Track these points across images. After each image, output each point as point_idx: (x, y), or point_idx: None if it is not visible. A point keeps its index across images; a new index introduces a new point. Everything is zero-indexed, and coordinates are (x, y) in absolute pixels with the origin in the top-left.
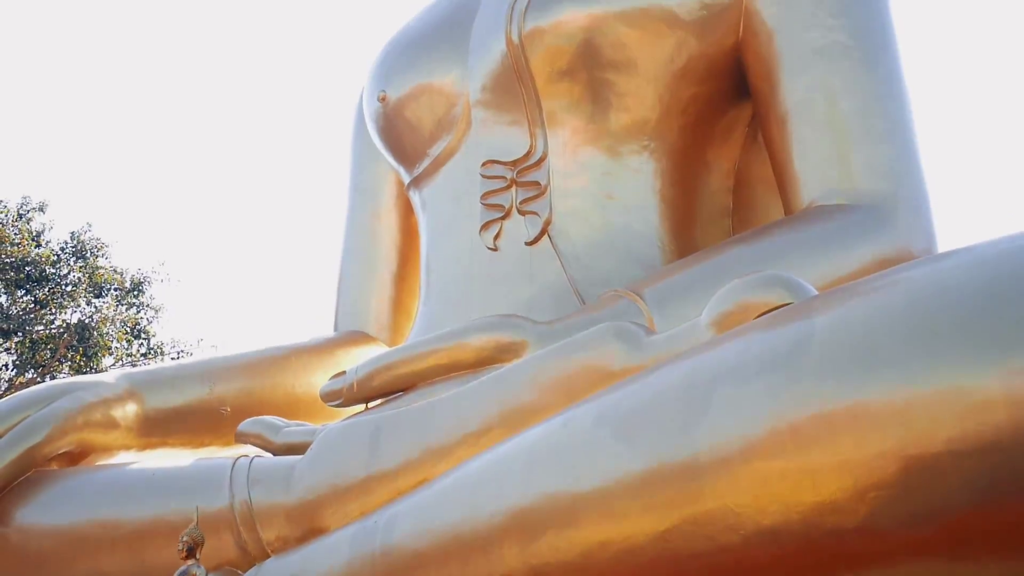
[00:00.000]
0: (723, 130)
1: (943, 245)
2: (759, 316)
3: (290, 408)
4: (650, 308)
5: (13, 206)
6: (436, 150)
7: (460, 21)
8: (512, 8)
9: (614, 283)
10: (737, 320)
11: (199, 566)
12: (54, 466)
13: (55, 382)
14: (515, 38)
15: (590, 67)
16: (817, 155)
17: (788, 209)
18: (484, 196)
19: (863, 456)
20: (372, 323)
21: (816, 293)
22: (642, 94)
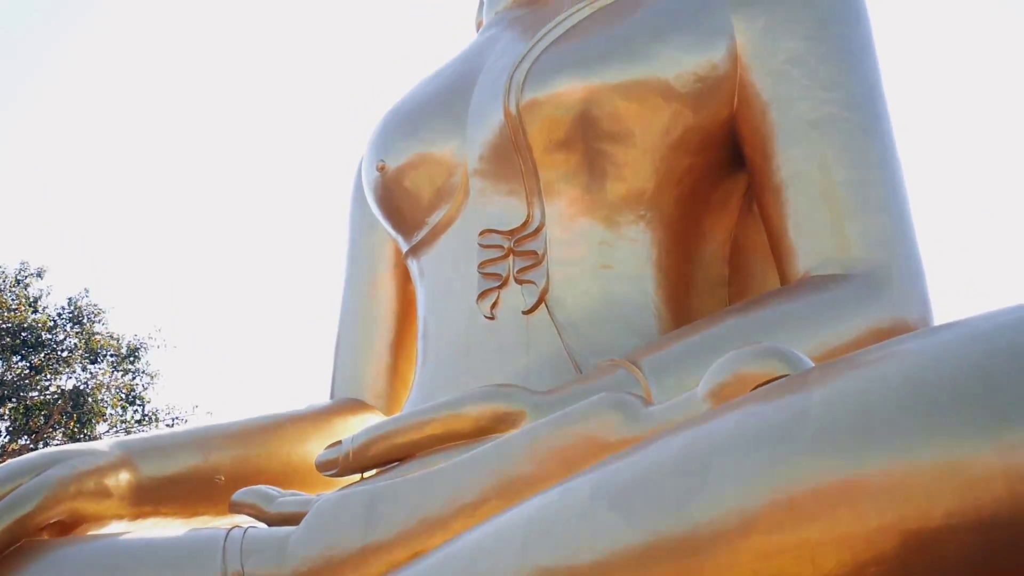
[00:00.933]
0: (719, 200)
1: (939, 314)
2: (756, 388)
3: (285, 477)
4: (647, 378)
5: (11, 272)
6: (434, 219)
7: (459, 92)
8: (510, 79)
9: (611, 352)
10: (734, 392)
11: None
12: (45, 536)
13: (48, 450)
14: (513, 109)
15: (587, 138)
16: (812, 225)
17: (784, 279)
18: (481, 265)
19: (861, 530)
20: (368, 391)
21: (812, 365)
22: (638, 165)
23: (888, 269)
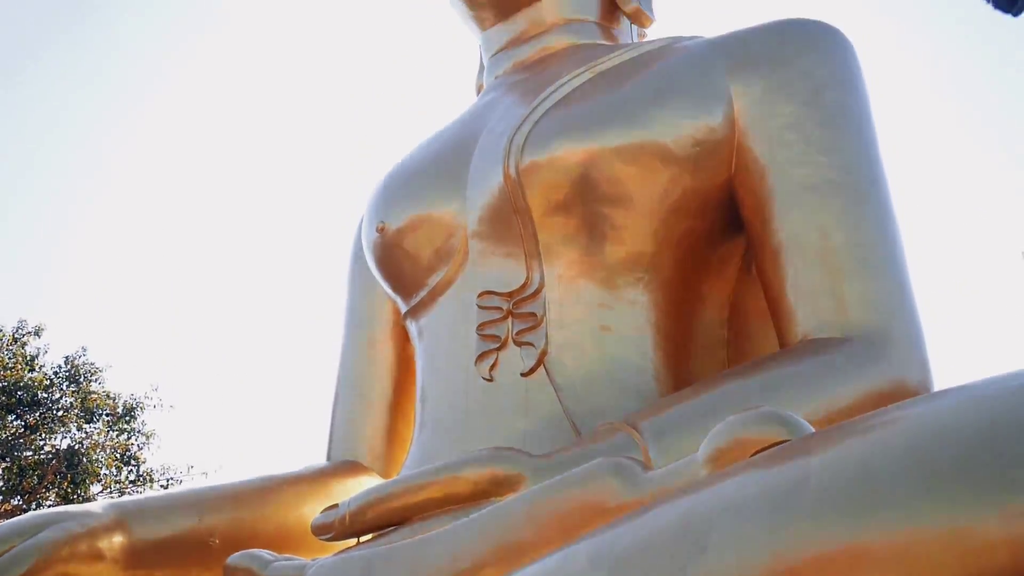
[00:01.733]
0: (717, 263)
1: (938, 378)
2: (755, 453)
3: (281, 540)
4: (647, 442)
5: (9, 330)
6: (433, 280)
7: (459, 155)
8: (510, 143)
9: (610, 415)
10: (733, 457)
11: None
12: None
13: (41, 512)
14: (512, 172)
15: (586, 201)
16: (810, 288)
17: (782, 342)
18: (480, 327)
19: None
20: (366, 453)
21: (812, 430)
22: (637, 228)
23: (887, 332)
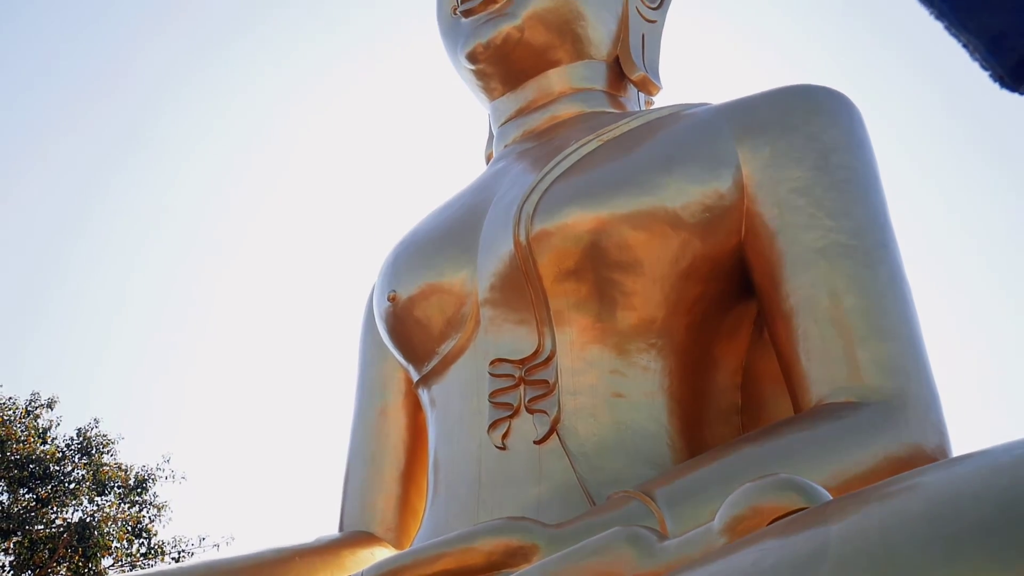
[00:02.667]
0: (729, 327)
1: (955, 442)
2: (772, 521)
3: None
4: (662, 510)
5: (22, 402)
6: (445, 348)
7: (469, 223)
8: (520, 211)
9: (624, 483)
10: (750, 526)
11: None
12: None
13: None
14: (523, 240)
15: (597, 268)
16: (823, 353)
17: (796, 407)
18: (492, 394)
19: None
20: (378, 523)
21: (829, 497)
22: (648, 294)
23: (903, 397)
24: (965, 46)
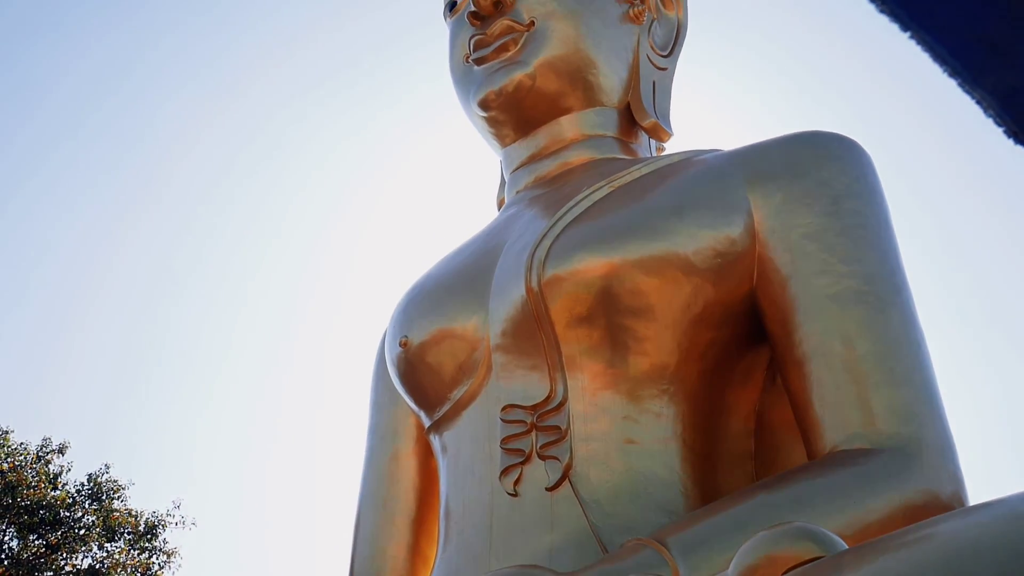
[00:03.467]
0: (742, 374)
1: (970, 489)
2: (787, 571)
3: None
4: (675, 558)
5: (33, 448)
6: (457, 394)
7: (481, 269)
8: (532, 256)
9: (637, 530)
10: (765, 575)
11: None
12: None
13: None
14: (535, 285)
15: (608, 313)
16: (837, 399)
17: (810, 453)
18: (504, 441)
19: None
20: (389, 570)
21: (845, 546)
22: (661, 339)
23: (917, 443)
24: (979, 102)
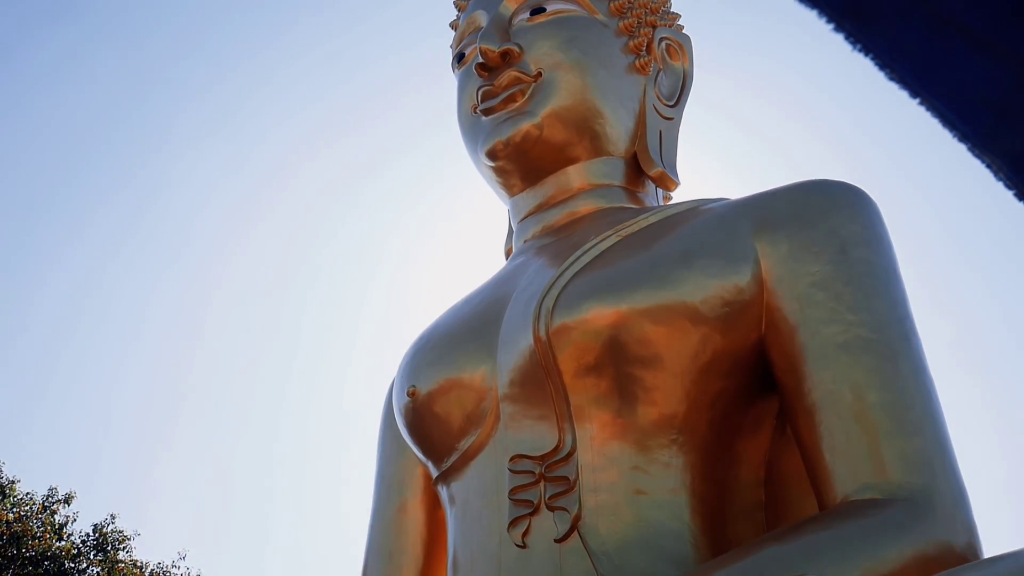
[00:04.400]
0: (752, 423)
1: (984, 539)
2: None
3: None
4: None
5: (39, 498)
6: (464, 444)
7: (489, 318)
8: (540, 306)
9: None
10: None
11: None
12: None
13: None
14: (543, 335)
15: (617, 363)
16: (847, 449)
17: (821, 504)
18: (512, 491)
19: None
20: None
21: None
22: (669, 389)
23: (930, 494)
24: (988, 166)
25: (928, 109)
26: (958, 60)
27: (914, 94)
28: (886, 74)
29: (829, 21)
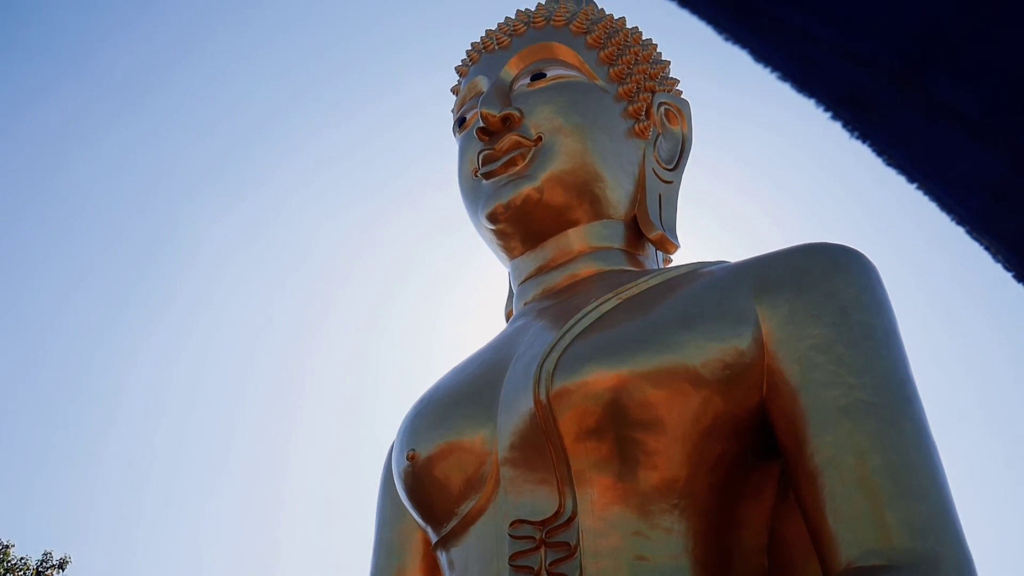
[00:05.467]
0: (754, 487)
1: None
2: None
3: None
4: None
5: (33, 563)
6: (464, 509)
7: (489, 381)
8: (540, 369)
9: None
10: None
11: None
12: None
13: None
14: (543, 398)
15: (618, 426)
16: (851, 514)
17: (825, 570)
18: (512, 557)
19: None
20: None
21: None
22: (670, 452)
23: (934, 560)
24: (987, 248)
25: (926, 194)
26: (955, 146)
27: (912, 179)
28: (884, 160)
29: (827, 109)
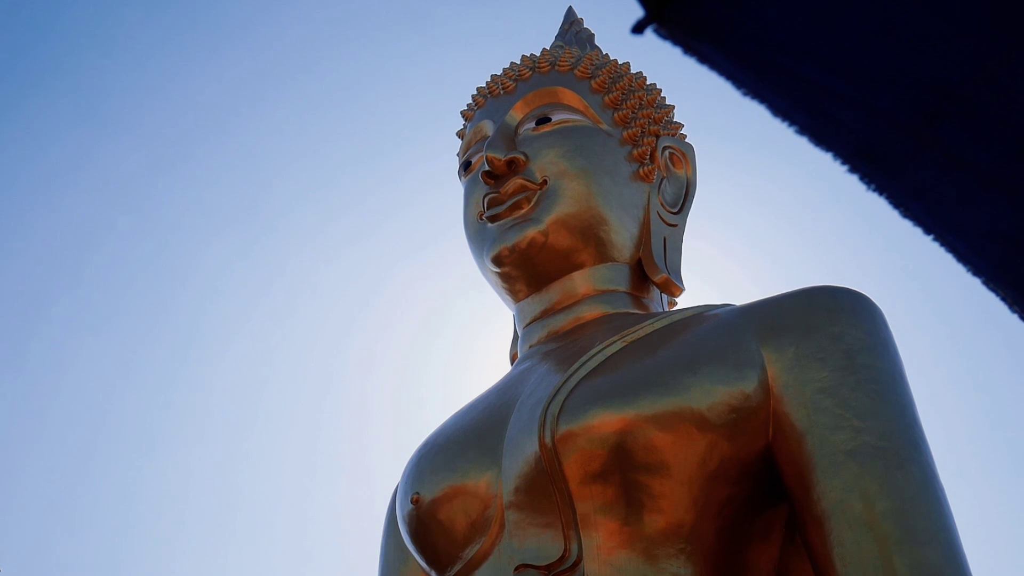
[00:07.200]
0: (760, 531)
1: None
2: None
3: None
4: None
5: None
6: (469, 553)
7: (494, 425)
8: (545, 412)
9: None
10: None
11: None
12: None
13: None
14: (548, 442)
15: (623, 470)
16: (858, 559)
17: None
18: None
19: None
20: None
21: None
22: (676, 496)
23: None
24: (1003, 299)
25: (942, 244)
26: (969, 197)
27: (928, 231)
28: (900, 212)
29: (844, 163)
